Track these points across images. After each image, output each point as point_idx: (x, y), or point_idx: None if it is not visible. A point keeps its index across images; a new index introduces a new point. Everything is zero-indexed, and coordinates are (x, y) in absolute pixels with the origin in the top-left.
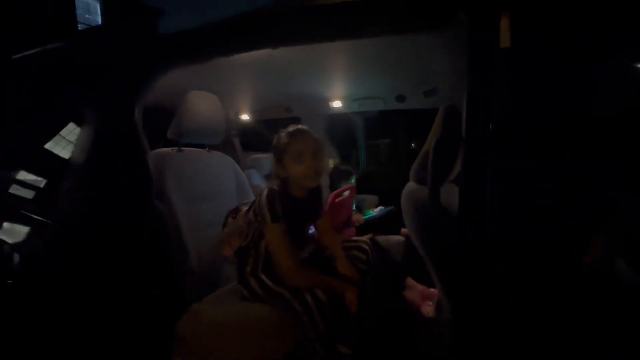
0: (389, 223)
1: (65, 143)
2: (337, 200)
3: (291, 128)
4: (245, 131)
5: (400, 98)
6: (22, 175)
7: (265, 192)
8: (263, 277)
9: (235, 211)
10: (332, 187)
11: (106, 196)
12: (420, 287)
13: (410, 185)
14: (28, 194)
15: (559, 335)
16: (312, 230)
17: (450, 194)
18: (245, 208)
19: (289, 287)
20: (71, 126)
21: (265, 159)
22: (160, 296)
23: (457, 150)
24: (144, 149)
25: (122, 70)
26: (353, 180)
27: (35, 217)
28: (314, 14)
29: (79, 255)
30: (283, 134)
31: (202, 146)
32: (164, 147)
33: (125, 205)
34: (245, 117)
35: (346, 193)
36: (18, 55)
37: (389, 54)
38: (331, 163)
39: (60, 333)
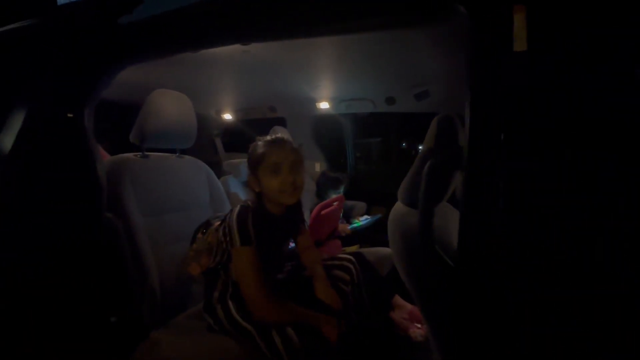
0: (377, 233)
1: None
2: (323, 212)
3: (269, 136)
4: (228, 131)
5: (390, 100)
6: None
7: (236, 210)
8: (231, 305)
9: (206, 225)
10: (319, 194)
11: (43, 208)
12: (409, 306)
13: (399, 207)
14: None
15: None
16: (292, 244)
17: (444, 219)
18: (217, 223)
19: (256, 320)
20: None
21: (244, 164)
22: (116, 324)
23: (454, 171)
24: (91, 154)
25: (67, 63)
26: (342, 190)
27: None
28: (289, 3)
29: (11, 278)
30: (259, 143)
31: (173, 151)
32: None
33: (67, 221)
34: (227, 116)
35: (334, 204)
36: None
37: (378, 52)
38: (318, 167)
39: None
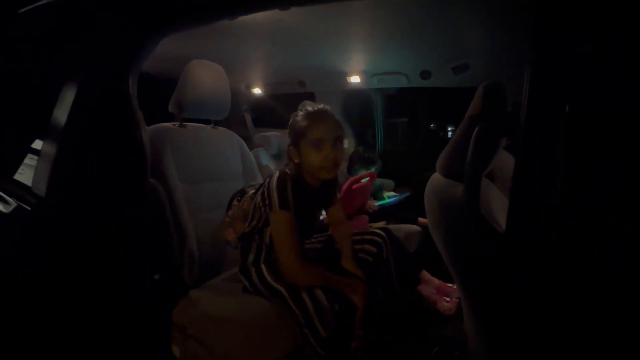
0: (404, 210)
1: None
2: (354, 187)
3: (311, 107)
4: (257, 106)
5: (426, 74)
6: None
7: (276, 176)
8: (264, 268)
9: (241, 193)
10: (349, 171)
11: (93, 176)
12: (436, 281)
13: (437, 178)
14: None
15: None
16: (322, 216)
17: (487, 193)
18: (251, 191)
19: (288, 282)
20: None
21: (275, 137)
22: (160, 282)
23: (502, 137)
24: (137, 122)
25: (112, 33)
26: (374, 169)
27: (7, 198)
28: None
29: (63, 242)
30: (301, 114)
31: (207, 122)
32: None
33: (115, 185)
34: (256, 91)
35: (365, 180)
36: (24, 9)
37: (415, 21)
38: (346, 143)
39: (52, 326)
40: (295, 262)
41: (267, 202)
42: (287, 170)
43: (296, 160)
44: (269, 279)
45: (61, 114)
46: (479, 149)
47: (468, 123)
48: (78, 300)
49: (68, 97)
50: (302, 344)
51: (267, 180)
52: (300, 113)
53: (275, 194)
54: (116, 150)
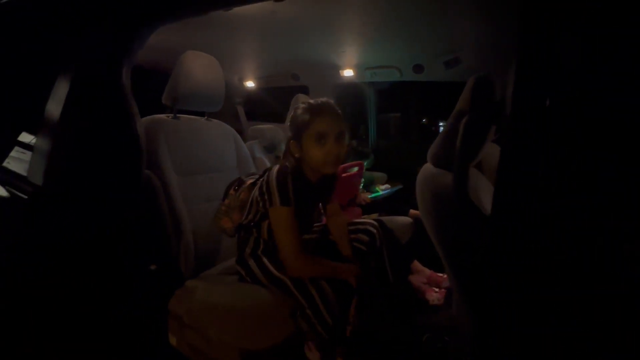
0: (396, 203)
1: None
2: (343, 175)
3: (313, 101)
4: (250, 99)
5: (418, 68)
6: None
7: (275, 171)
8: (264, 259)
9: (239, 182)
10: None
11: (88, 167)
12: (427, 271)
13: (428, 168)
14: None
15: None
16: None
17: (475, 182)
18: (249, 180)
19: (290, 275)
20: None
21: (269, 130)
22: (156, 272)
23: (487, 131)
24: (132, 113)
25: (105, 25)
26: (367, 163)
27: (7, 189)
28: None
29: (59, 232)
30: (303, 107)
31: (200, 114)
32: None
33: (111, 177)
34: (250, 84)
35: (354, 169)
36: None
37: (406, 15)
38: None
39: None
40: (297, 258)
41: (266, 197)
42: (286, 164)
43: (297, 155)
44: (271, 269)
45: (55, 106)
46: (467, 139)
47: (458, 115)
48: (77, 299)
49: (62, 89)
50: (308, 330)
51: (266, 175)
52: (302, 106)
53: (275, 190)
54: (111, 142)
